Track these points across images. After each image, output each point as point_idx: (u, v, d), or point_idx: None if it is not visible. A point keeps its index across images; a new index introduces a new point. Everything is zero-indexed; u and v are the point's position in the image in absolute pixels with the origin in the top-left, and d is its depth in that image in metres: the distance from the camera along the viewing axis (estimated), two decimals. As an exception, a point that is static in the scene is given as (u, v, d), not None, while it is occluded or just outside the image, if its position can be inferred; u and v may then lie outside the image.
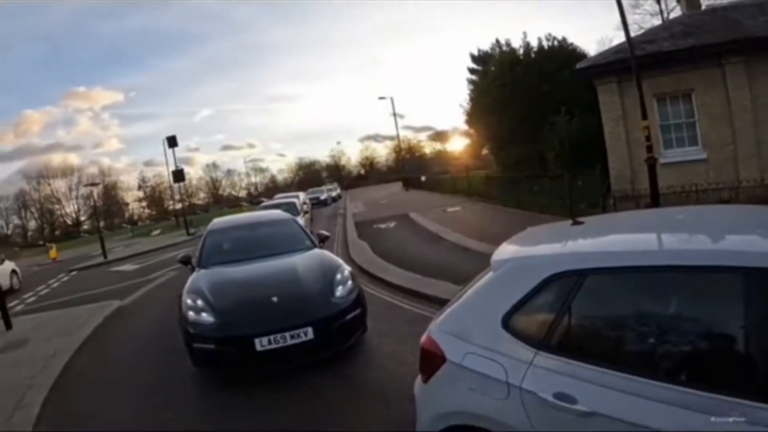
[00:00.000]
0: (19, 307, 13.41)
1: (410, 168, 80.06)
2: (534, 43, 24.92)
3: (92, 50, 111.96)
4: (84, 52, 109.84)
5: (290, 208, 17.42)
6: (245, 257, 7.08)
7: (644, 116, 11.60)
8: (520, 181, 19.78)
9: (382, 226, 18.69)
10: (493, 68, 25.87)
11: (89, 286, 15.02)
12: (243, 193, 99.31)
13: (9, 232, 77.42)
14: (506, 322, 2.66)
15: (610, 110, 13.74)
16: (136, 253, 23.78)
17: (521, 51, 25.03)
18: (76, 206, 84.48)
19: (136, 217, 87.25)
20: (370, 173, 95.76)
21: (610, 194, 14.24)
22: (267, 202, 21.69)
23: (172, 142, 32.12)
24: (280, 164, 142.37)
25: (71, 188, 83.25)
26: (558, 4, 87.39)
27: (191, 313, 5.70)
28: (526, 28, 50.06)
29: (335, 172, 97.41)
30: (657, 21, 31.28)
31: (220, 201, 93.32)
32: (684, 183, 12.58)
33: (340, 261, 6.97)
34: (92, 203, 69.89)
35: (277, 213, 9.32)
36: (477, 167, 42.66)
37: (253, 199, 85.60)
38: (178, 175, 32.82)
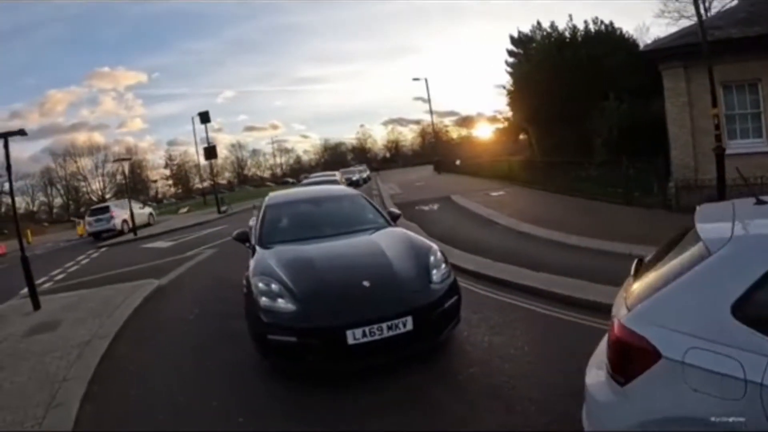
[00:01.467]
0: (47, 285, 12.51)
1: (436, 152, 79.89)
2: (578, 27, 24.26)
3: (116, 30, 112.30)
4: (108, 32, 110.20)
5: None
6: (314, 235, 6.18)
7: (714, 104, 11.11)
8: (564, 166, 18.97)
9: (425, 208, 17.71)
10: (538, 50, 24.89)
11: (121, 263, 14.05)
12: (267, 173, 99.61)
13: (35, 209, 77.79)
14: (737, 311, 2.29)
15: (674, 96, 12.88)
16: (168, 230, 22.94)
17: (567, 34, 24.26)
18: (101, 183, 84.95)
19: (160, 195, 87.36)
20: (396, 156, 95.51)
21: (670, 183, 13.47)
22: (307, 180, 20.73)
23: (204, 118, 30.83)
24: (303, 145, 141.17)
25: (97, 165, 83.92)
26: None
27: (264, 299, 4.81)
28: (557, 13, 48.46)
29: (361, 154, 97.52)
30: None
31: (246, 180, 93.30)
32: (748, 176, 11.23)
33: (428, 241, 6.03)
34: (121, 179, 70.98)
35: (341, 187, 8.43)
36: (509, 153, 41.79)
37: (278, 179, 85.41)
38: (211, 152, 31.69)
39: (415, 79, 49.42)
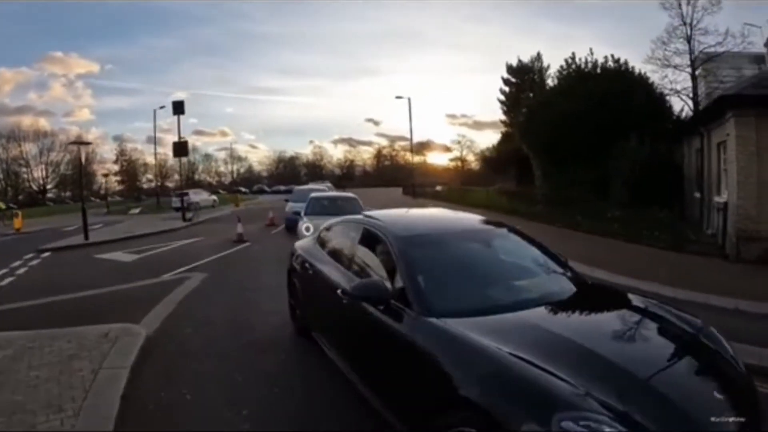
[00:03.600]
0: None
1: (388, 175, 79.32)
2: (598, 61, 23.50)
3: (75, 15, 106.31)
4: (66, 16, 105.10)
5: (352, 204, 13.42)
6: (508, 299, 3.71)
7: None
8: (581, 204, 17.70)
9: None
10: (558, 81, 24.34)
11: (72, 282, 10.03)
12: (215, 180, 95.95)
13: (-33, 190, 70.77)
14: None
15: (743, 145, 12.45)
16: (126, 237, 18.45)
17: (588, 67, 23.37)
18: (44, 172, 78.55)
19: (103, 191, 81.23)
20: (350, 176, 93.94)
21: (708, 231, 14.19)
22: (317, 193, 17.45)
23: (178, 108, 25.55)
24: (252, 156, 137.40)
25: (42, 152, 77.76)
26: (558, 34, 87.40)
27: None
28: (524, 49, 49.10)
29: (314, 170, 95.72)
30: (681, 59, 30.81)
31: (195, 185, 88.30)
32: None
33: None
34: (65, 169, 65.33)
35: (471, 216, 5.55)
36: (471, 183, 41.19)
37: (227, 187, 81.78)
38: (181, 149, 26.61)
39: (398, 97, 47.45)
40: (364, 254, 4.58)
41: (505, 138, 36.84)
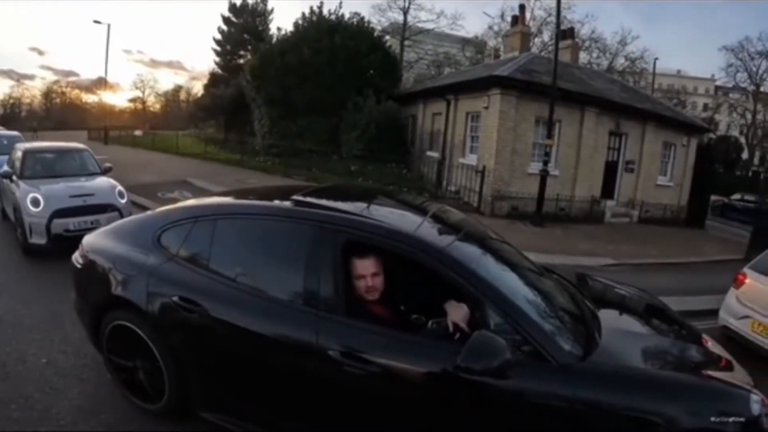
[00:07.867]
0: None
1: (59, 117, 65.09)
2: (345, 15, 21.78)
3: None
4: None
5: (84, 159, 8.62)
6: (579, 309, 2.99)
7: (549, 135, 12.84)
8: (319, 155, 17.39)
9: (171, 195, 11.65)
10: (301, 29, 20.79)
11: None
12: None
13: None
14: None
15: (504, 119, 13.65)
16: None
17: (333, 19, 21.05)
18: None
19: None
20: (16, 117, 73.97)
21: (450, 187, 15.19)
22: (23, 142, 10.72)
23: None
24: None
25: None
26: None
27: None
28: None
29: None
30: (393, 28, 32.42)
31: None
32: (547, 193, 13.42)
33: None
34: None
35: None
36: (158, 127, 41.12)
37: None
38: None
39: (96, 22, 34.33)
40: (341, 280, 2.60)
41: (215, 80, 31.88)
